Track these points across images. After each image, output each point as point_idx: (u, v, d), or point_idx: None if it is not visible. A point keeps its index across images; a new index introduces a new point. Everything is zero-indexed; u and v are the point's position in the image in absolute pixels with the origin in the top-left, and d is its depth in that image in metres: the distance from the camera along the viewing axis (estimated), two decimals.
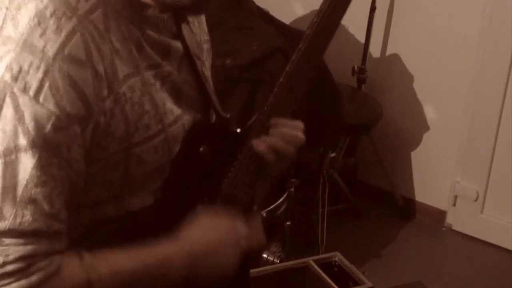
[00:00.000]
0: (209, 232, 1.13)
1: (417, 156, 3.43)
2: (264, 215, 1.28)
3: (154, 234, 1.09)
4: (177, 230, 1.11)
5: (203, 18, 1.28)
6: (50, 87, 0.95)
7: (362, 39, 3.30)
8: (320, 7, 1.13)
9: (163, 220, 1.11)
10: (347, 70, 3.27)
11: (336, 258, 2.33)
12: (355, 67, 3.27)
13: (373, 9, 3.21)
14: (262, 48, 2.69)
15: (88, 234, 1.06)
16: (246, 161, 1.18)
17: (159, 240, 1.08)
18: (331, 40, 1.15)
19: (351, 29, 3.40)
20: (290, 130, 1.18)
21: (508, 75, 3.07)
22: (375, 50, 3.38)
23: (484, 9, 3.05)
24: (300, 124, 1.20)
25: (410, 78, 3.34)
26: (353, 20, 3.36)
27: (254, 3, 2.97)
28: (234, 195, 1.19)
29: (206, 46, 1.27)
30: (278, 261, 2.33)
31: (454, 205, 3.36)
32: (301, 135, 1.19)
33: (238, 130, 1.23)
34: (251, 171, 1.19)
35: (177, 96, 1.13)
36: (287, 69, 1.15)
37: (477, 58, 3.12)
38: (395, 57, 3.36)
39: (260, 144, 1.17)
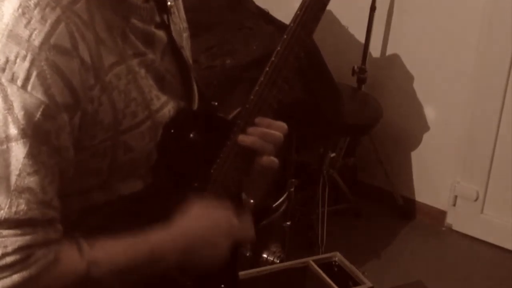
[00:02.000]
0: (202, 220, 1.15)
1: (417, 156, 3.43)
2: (252, 201, 1.29)
3: (145, 218, 1.10)
4: (170, 217, 1.12)
5: (181, 6, 1.30)
6: (38, 76, 0.95)
7: (362, 39, 3.30)
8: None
9: (154, 205, 1.13)
10: (347, 70, 3.27)
11: (336, 258, 2.33)
12: (355, 67, 3.27)
13: (373, 9, 3.21)
14: (262, 48, 2.69)
15: (80, 221, 1.07)
16: (233, 150, 1.21)
17: (154, 228, 1.09)
18: (314, 30, 1.20)
19: (351, 29, 3.40)
20: (270, 130, 1.20)
21: (508, 75, 3.07)
22: (375, 50, 3.38)
23: (484, 9, 3.05)
24: (283, 126, 1.22)
25: (410, 78, 3.34)
26: (353, 20, 3.36)
27: (254, 3, 2.97)
28: (223, 181, 1.21)
29: (185, 34, 1.29)
30: (278, 261, 2.33)
31: (454, 205, 3.36)
32: (279, 134, 1.21)
33: (227, 117, 1.25)
34: (237, 160, 1.21)
35: (161, 84, 1.14)
36: (273, 59, 1.19)
37: (477, 58, 3.12)
38: (395, 57, 3.36)
39: (244, 139, 1.20)
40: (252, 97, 1.20)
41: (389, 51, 3.38)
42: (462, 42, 3.15)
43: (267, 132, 1.20)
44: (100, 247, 1.04)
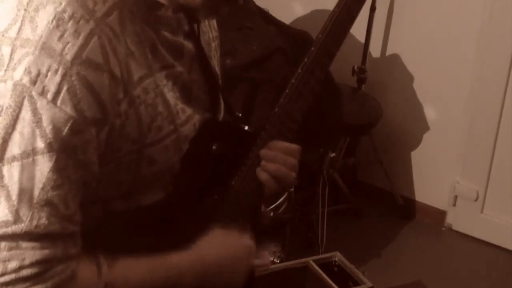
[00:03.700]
0: (223, 248, 1.16)
1: (417, 156, 3.43)
2: (271, 214, 1.29)
3: (164, 228, 1.11)
4: (188, 230, 1.13)
5: None
6: (68, 90, 0.95)
7: (362, 39, 3.30)
8: (334, 8, 1.17)
9: (173, 215, 1.13)
10: (347, 70, 3.27)
11: (336, 258, 2.33)
12: (355, 67, 3.27)
13: (373, 9, 3.21)
14: (262, 48, 2.69)
15: (98, 228, 1.07)
16: (254, 163, 1.20)
17: (174, 252, 1.10)
18: (343, 41, 1.19)
19: (351, 29, 3.39)
20: (290, 157, 1.21)
21: (508, 75, 3.07)
22: (375, 50, 3.38)
23: (484, 9, 3.05)
24: (297, 148, 1.23)
25: (410, 78, 3.34)
26: None
27: (254, 3, 2.97)
28: (243, 193, 1.21)
29: (214, 43, 1.28)
30: (278, 261, 2.33)
31: (454, 205, 3.36)
32: (296, 162, 1.22)
33: (250, 130, 1.24)
34: (257, 177, 1.21)
35: (187, 96, 1.14)
36: (299, 71, 1.18)
37: (477, 58, 3.12)
38: (395, 57, 3.36)
39: (262, 173, 1.20)
40: (276, 109, 1.19)
41: (389, 51, 3.38)
42: (462, 42, 3.15)
43: (289, 160, 1.21)
44: (118, 268, 1.04)
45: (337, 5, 1.17)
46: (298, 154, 1.22)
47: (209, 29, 1.26)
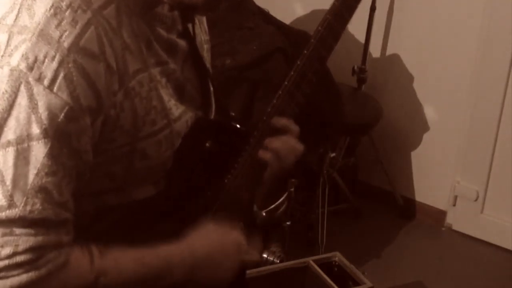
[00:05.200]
0: (213, 241, 1.17)
1: (417, 156, 3.43)
2: (264, 214, 1.30)
3: (156, 224, 1.12)
4: (180, 226, 1.14)
5: (204, 18, 1.30)
6: (65, 77, 0.96)
7: (362, 39, 3.30)
8: (325, 15, 1.19)
9: (166, 211, 1.14)
10: (347, 70, 3.27)
11: (336, 258, 2.34)
12: (355, 67, 3.27)
13: (373, 9, 3.21)
14: (262, 48, 2.69)
15: (92, 222, 1.08)
16: (248, 161, 1.22)
17: (165, 243, 1.11)
18: (334, 46, 1.22)
19: (351, 29, 3.40)
20: (294, 139, 1.24)
21: (508, 75, 3.07)
22: (375, 50, 3.38)
23: (484, 9, 3.05)
24: (296, 129, 1.25)
25: (410, 78, 3.34)
26: (353, 20, 3.34)
27: (254, 3, 2.97)
28: (236, 191, 1.22)
29: (206, 46, 1.30)
30: (278, 261, 2.33)
31: (454, 205, 3.36)
32: (300, 147, 1.25)
33: (243, 128, 1.26)
34: (251, 170, 1.22)
35: (180, 93, 1.15)
36: (292, 73, 1.20)
37: (477, 58, 3.12)
38: (395, 57, 3.36)
39: (266, 153, 1.22)
40: (269, 109, 1.21)
41: (389, 51, 3.38)
42: (462, 42, 3.15)
43: (292, 141, 1.24)
44: (110, 257, 1.04)
45: (329, 12, 1.19)
46: (296, 132, 1.25)
47: (201, 31, 1.28)
